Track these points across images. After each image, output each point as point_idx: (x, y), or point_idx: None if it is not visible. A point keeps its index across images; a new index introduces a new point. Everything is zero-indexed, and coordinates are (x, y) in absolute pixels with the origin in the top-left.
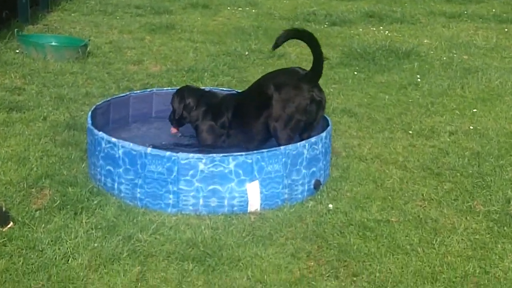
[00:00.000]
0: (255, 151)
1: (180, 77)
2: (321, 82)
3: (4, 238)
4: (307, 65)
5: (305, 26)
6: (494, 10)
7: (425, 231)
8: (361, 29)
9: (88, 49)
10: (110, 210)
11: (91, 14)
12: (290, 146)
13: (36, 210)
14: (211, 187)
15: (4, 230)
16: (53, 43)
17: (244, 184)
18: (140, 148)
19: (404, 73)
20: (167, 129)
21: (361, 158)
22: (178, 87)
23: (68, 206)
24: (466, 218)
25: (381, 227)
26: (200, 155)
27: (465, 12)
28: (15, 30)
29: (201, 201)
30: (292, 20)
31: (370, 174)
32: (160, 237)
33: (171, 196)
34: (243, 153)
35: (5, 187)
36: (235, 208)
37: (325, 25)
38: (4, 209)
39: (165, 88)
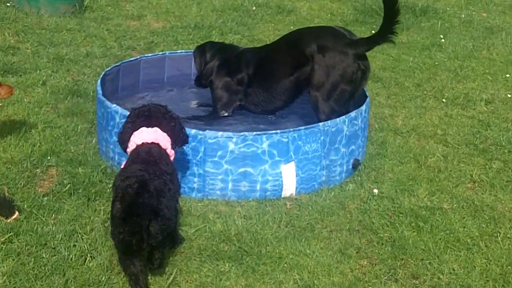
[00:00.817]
0: (291, 129)
1: (186, 35)
2: None
3: (10, 232)
4: (319, 22)
5: None
6: None
7: (483, 220)
8: None
9: (84, 2)
10: None
11: None
12: (329, 123)
13: (43, 196)
14: (241, 169)
15: (9, 221)
16: None
17: (279, 166)
18: None
19: (424, 32)
20: (180, 97)
21: (396, 131)
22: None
23: (80, 191)
24: None
25: (434, 216)
26: (230, 134)
27: None
28: None
29: (230, 185)
30: None
31: (409, 150)
32: (189, 229)
33: (196, 179)
34: (278, 131)
35: (7, 167)
36: (268, 193)
37: None
38: (8, 197)
39: (178, 51)
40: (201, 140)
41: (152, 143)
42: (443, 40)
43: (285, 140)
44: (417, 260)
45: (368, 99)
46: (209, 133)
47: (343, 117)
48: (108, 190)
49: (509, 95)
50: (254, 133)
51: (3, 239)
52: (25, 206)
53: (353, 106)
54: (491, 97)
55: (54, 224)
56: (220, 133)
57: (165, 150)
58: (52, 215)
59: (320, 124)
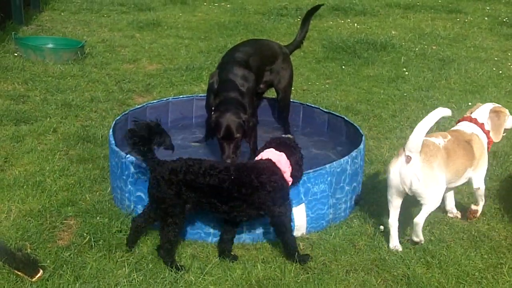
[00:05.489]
0: None
1: (179, 76)
2: (313, 76)
3: None
4: (294, 59)
5: (280, 20)
6: (440, 1)
7: (485, 251)
8: (331, 22)
9: (84, 50)
10: (146, 244)
11: (79, 12)
12: (334, 164)
13: (64, 250)
14: None
15: (33, 280)
16: (50, 45)
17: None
18: None
19: (386, 65)
20: (186, 138)
21: (385, 162)
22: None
23: (100, 243)
24: None
25: (440, 249)
26: None
27: (418, 4)
28: (12, 33)
29: (244, 229)
30: (267, 15)
31: None
32: (209, 277)
33: (211, 224)
34: None
35: (27, 220)
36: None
37: (298, 19)
38: (31, 255)
39: (180, 96)
40: None
41: (271, 160)
42: (406, 72)
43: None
44: None
45: (363, 138)
46: None
47: (346, 157)
48: (127, 239)
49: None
50: None
51: None
52: (48, 261)
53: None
54: None
55: (78, 280)
56: None
57: (279, 169)
58: (75, 272)
59: (327, 166)
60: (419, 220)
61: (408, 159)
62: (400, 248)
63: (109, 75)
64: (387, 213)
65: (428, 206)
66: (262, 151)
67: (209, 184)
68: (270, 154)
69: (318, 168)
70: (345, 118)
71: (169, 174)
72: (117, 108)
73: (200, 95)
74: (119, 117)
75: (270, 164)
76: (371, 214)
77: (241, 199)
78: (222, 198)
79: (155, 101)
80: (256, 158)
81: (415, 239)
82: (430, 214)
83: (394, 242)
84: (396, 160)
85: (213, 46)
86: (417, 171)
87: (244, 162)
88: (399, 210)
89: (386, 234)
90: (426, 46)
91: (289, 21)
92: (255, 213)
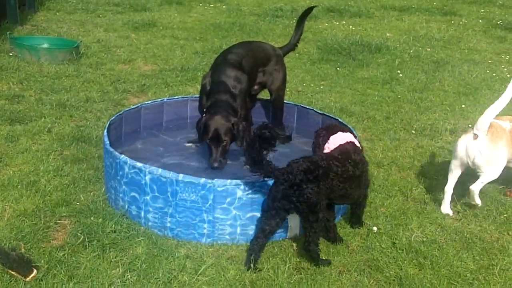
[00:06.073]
0: None
1: (174, 77)
2: (308, 78)
3: None
4: (289, 60)
5: (275, 22)
6: (435, 3)
7: (477, 253)
8: (326, 24)
9: (80, 50)
10: (140, 244)
11: (75, 12)
12: None
13: (58, 249)
14: (249, 214)
15: (27, 280)
16: (45, 45)
17: None
18: (170, 174)
19: (381, 67)
20: (181, 139)
21: (379, 164)
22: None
23: (94, 243)
24: (508, 233)
25: (432, 250)
26: (238, 181)
27: (413, 6)
28: (7, 33)
29: (238, 230)
30: (263, 16)
31: (394, 183)
32: (203, 278)
33: (205, 225)
34: None
35: (21, 220)
36: (275, 235)
37: (293, 20)
38: (25, 255)
39: (175, 97)
40: (210, 188)
41: (351, 142)
42: (400, 74)
43: None
44: None
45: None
46: (217, 181)
47: None
48: (121, 239)
49: (469, 125)
50: (261, 180)
51: None
52: (42, 261)
53: None
54: (454, 127)
55: (71, 280)
56: (229, 181)
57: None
58: (69, 272)
59: None
60: (474, 187)
61: (476, 136)
62: (451, 213)
63: (104, 75)
64: (446, 182)
65: (485, 177)
66: (326, 139)
67: (338, 171)
68: (346, 137)
69: None
70: (339, 119)
71: (304, 174)
72: (112, 109)
73: (195, 96)
74: (113, 117)
75: (355, 145)
76: (364, 215)
77: (359, 178)
78: (350, 183)
79: (150, 101)
80: (335, 145)
81: (472, 202)
82: (485, 185)
83: (446, 209)
84: (465, 136)
85: (208, 47)
86: (481, 148)
87: (344, 146)
88: (456, 180)
89: (378, 234)
90: (420, 48)
91: (284, 22)
92: (357, 195)
